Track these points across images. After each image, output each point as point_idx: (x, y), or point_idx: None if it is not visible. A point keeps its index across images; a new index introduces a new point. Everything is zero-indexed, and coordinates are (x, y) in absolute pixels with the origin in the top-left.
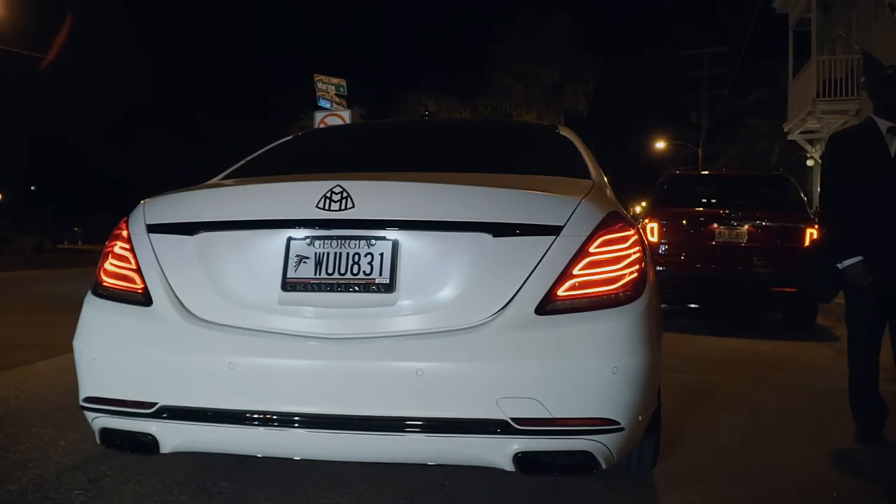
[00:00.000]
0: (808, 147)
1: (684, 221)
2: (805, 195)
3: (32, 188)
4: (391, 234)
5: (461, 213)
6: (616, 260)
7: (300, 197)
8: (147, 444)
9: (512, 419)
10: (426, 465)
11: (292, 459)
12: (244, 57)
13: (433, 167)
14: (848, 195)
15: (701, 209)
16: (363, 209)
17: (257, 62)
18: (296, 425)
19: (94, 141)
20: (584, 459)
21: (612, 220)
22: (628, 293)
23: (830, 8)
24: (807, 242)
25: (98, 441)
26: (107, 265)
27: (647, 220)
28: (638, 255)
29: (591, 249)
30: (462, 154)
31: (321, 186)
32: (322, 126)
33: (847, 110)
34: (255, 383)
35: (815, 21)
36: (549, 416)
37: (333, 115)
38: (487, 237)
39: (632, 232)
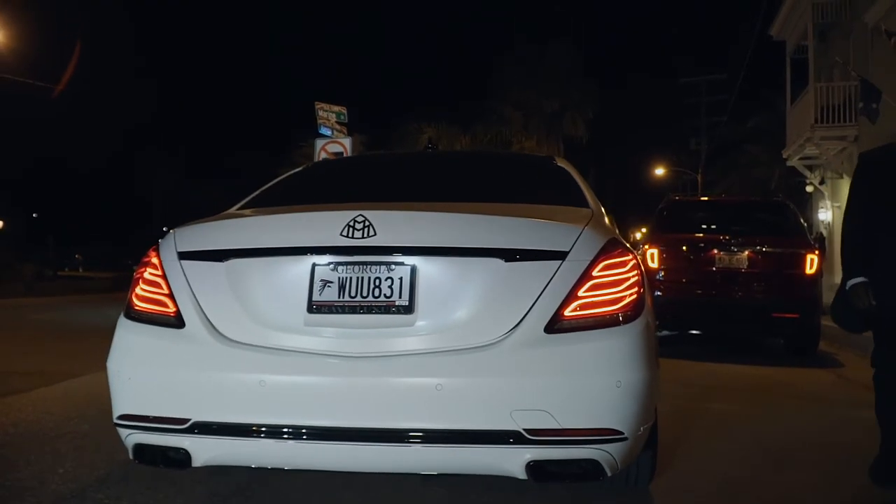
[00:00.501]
0: (808, 173)
1: (684, 247)
2: (805, 221)
3: (34, 215)
4: (409, 259)
5: (475, 240)
6: (617, 283)
7: (325, 225)
8: (180, 458)
9: (525, 430)
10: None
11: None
12: (245, 85)
13: (442, 197)
14: (866, 217)
15: (701, 235)
16: (384, 237)
17: (258, 90)
18: (324, 439)
19: (96, 169)
20: (590, 467)
21: (613, 246)
22: (629, 313)
23: (827, 35)
24: (807, 268)
25: (131, 457)
26: (138, 290)
27: (647, 246)
28: (637, 278)
29: (595, 273)
30: (467, 184)
31: (345, 216)
32: (324, 153)
33: (846, 136)
34: (286, 399)
35: (812, 48)
36: (559, 427)
37: (334, 142)
38: (500, 262)
39: (630, 257)
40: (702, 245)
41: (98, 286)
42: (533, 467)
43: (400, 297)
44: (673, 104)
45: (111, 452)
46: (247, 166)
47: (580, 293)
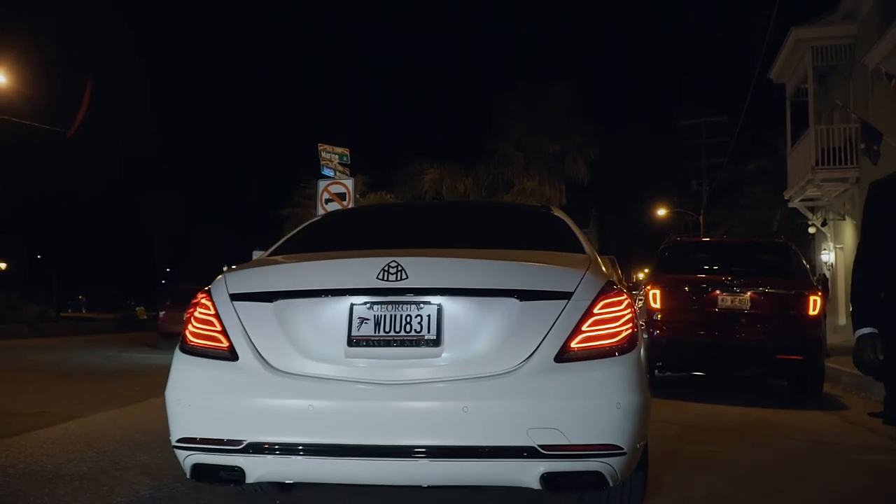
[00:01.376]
0: (809, 214)
1: (687, 288)
2: (807, 262)
3: (38, 257)
4: (436, 299)
5: (493, 282)
6: (615, 319)
7: (362, 269)
8: (235, 476)
9: (539, 445)
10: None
11: None
12: (247, 128)
13: (455, 243)
14: (875, 253)
15: (703, 276)
16: (415, 279)
17: (259, 132)
18: (365, 456)
19: (98, 212)
20: (595, 479)
21: (610, 287)
22: (625, 345)
23: (827, 78)
24: (811, 309)
25: (189, 476)
26: (191, 328)
27: (649, 287)
28: (631, 315)
29: (595, 311)
30: (475, 231)
31: (380, 261)
32: (326, 193)
33: (847, 178)
34: (330, 422)
35: (812, 91)
36: (568, 443)
37: (337, 183)
38: (515, 301)
39: (625, 297)
40: (704, 286)
41: (100, 327)
42: (546, 478)
43: (428, 332)
44: (674, 146)
45: (108, 496)
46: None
47: (584, 328)
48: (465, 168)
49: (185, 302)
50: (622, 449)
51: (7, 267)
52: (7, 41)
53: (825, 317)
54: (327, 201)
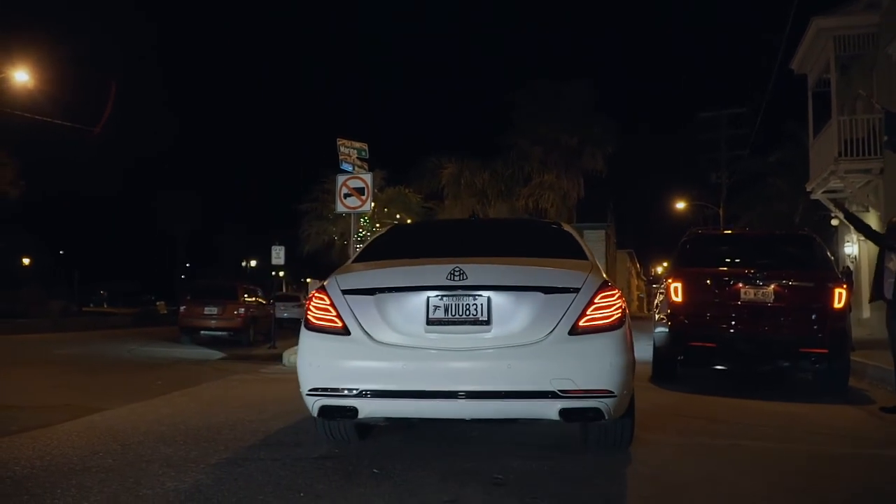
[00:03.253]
0: (832, 206)
1: (709, 281)
2: (831, 254)
3: (60, 252)
4: (486, 293)
5: (525, 282)
6: (608, 307)
7: (435, 273)
8: (350, 413)
9: (558, 390)
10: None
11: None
12: (264, 124)
13: (493, 251)
14: None
15: (725, 268)
16: (472, 280)
17: (278, 130)
18: (440, 398)
19: (120, 208)
20: (595, 414)
21: (605, 285)
22: (615, 324)
23: (849, 68)
24: (836, 302)
25: (315, 415)
26: (312, 314)
27: (670, 280)
28: (620, 303)
29: (595, 301)
30: (506, 242)
31: (448, 267)
32: (345, 188)
33: (870, 169)
34: (416, 375)
35: (835, 82)
36: (578, 388)
37: (356, 177)
38: (540, 294)
39: (616, 291)
40: (727, 279)
41: (121, 322)
42: (562, 412)
43: (481, 315)
44: (693, 138)
45: (134, 488)
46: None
47: (587, 312)
48: (482, 162)
49: (204, 297)
50: (614, 393)
51: (30, 263)
52: (26, 41)
53: (850, 310)
54: (346, 196)
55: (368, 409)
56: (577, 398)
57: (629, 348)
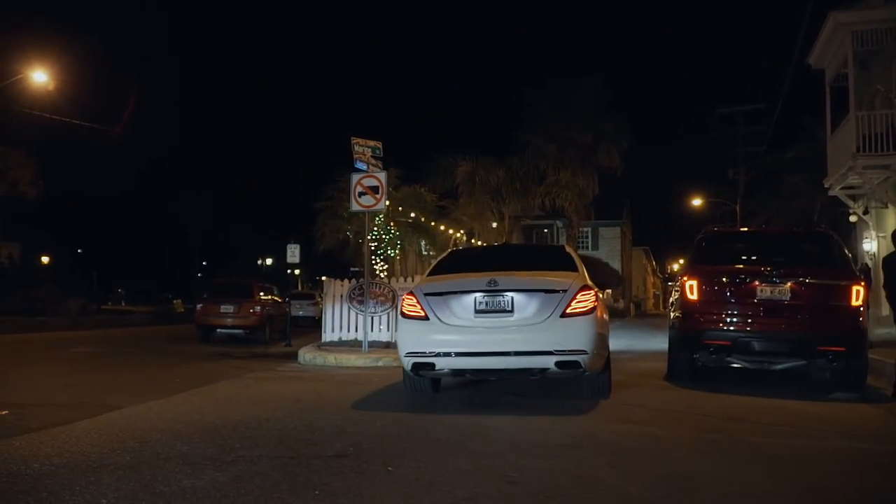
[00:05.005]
0: (851, 203)
1: (725, 279)
2: (849, 252)
3: (79, 251)
4: (511, 294)
5: (533, 286)
6: (585, 300)
7: (479, 282)
8: (430, 366)
9: (554, 350)
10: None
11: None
12: (278, 125)
13: (517, 266)
14: None
15: (741, 266)
16: (502, 286)
17: (293, 127)
18: (484, 356)
19: (137, 207)
20: (576, 364)
21: (584, 287)
22: (589, 311)
23: (868, 63)
24: (853, 300)
25: (408, 369)
26: (405, 307)
27: (685, 278)
28: (593, 298)
29: (577, 297)
30: (526, 260)
31: (486, 279)
32: (359, 186)
33: (889, 165)
34: (469, 342)
35: (853, 77)
36: (565, 349)
37: (370, 176)
38: (542, 293)
39: (592, 291)
40: (743, 276)
41: (139, 320)
42: (557, 364)
43: (507, 307)
44: (709, 135)
45: (150, 485)
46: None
47: (572, 304)
48: (497, 160)
49: (220, 295)
50: (587, 351)
51: (49, 261)
52: (43, 42)
53: (868, 307)
54: (360, 194)
55: (441, 363)
56: (566, 355)
57: (599, 325)
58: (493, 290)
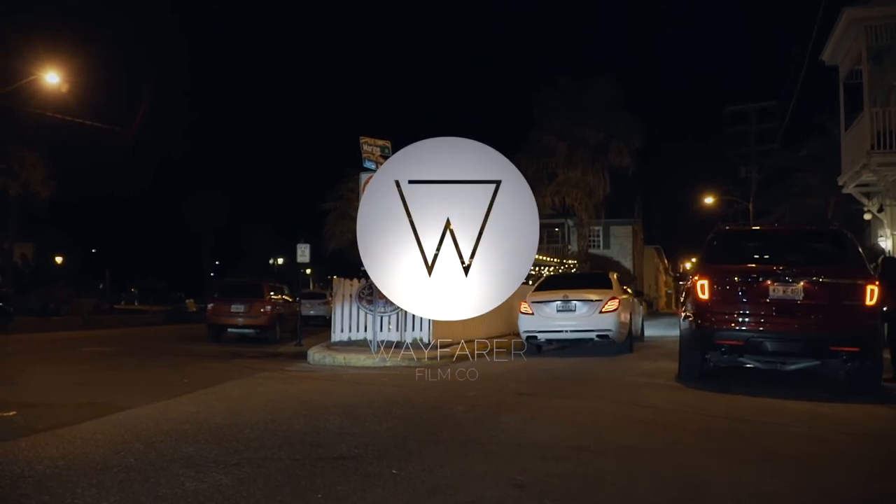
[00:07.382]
0: (865, 200)
1: (736, 278)
2: (864, 250)
3: (92, 251)
4: (575, 303)
5: (586, 298)
6: (613, 304)
7: (558, 296)
8: (535, 338)
9: (596, 329)
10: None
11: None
12: (289, 123)
13: (580, 287)
14: None
15: (753, 265)
16: (570, 298)
17: (304, 127)
18: (561, 332)
19: (149, 207)
20: (607, 337)
21: (612, 298)
22: (614, 310)
23: (882, 59)
24: (867, 299)
25: (524, 340)
26: (522, 309)
27: (697, 277)
28: (617, 303)
29: (607, 303)
30: (584, 282)
31: (561, 295)
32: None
33: None
34: (554, 325)
35: (867, 73)
36: (601, 329)
37: None
38: (590, 301)
39: (617, 299)
40: (754, 276)
41: (151, 319)
42: (598, 335)
43: (573, 309)
44: (721, 133)
45: (154, 488)
46: (294, 202)
47: (604, 307)
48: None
49: (231, 295)
50: (612, 330)
51: (62, 261)
52: (56, 44)
53: (883, 307)
54: None
55: (541, 336)
56: (602, 332)
57: (620, 317)
58: (565, 300)
